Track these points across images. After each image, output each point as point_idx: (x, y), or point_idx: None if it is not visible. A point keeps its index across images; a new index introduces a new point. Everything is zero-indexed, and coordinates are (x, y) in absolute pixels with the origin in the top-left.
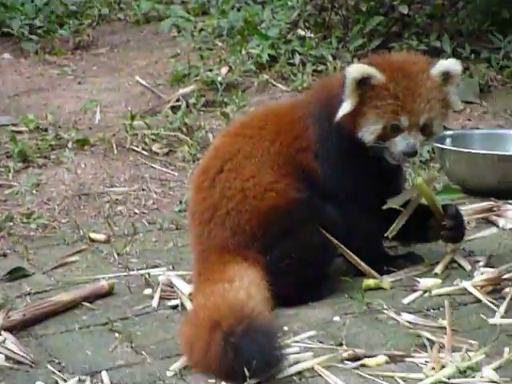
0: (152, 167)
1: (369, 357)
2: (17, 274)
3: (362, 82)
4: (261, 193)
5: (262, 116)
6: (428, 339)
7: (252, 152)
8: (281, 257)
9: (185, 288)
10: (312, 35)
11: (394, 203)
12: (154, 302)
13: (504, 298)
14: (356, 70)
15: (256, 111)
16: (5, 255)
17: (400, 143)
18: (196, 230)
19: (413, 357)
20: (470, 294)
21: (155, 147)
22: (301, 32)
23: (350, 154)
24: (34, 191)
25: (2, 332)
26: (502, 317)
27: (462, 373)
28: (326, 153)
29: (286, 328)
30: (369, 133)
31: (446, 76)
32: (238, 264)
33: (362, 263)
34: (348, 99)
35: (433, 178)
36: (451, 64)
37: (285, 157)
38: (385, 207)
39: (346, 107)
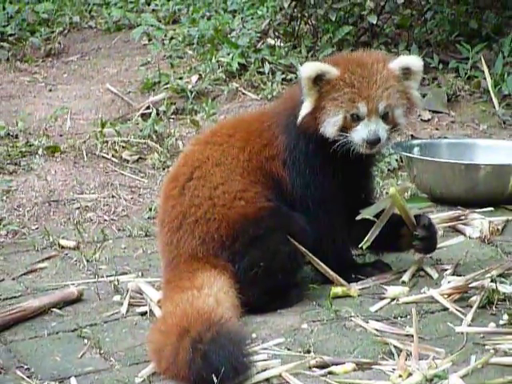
0: (122, 174)
1: (336, 364)
2: None
3: (318, 79)
4: (230, 201)
5: (232, 124)
6: (395, 347)
7: (221, 159)
8: (249, 265)
9: (154, 295)
10: (282, 44)
11: (367, 214)
12: (123, 309)
13: (471, 307)
14: (308, 68)
15: (226, 120)
16: None
17: (362, 131)
18: (165, 237)
19: (380, 364)
20: (437, 302)
21: (125, 154)
22: (271, 41)
23: (317, 157)
24: (4, 198)
25: None
26: (469, 325)
27: (429, 381)
28: (294, 160)
29: (254, 335)
30: (330, 125)
31: (407, 71)
32: (207, 272)
33: (330, 271)
34: (307, 98)
35: (406, 188)
36: (412, 59)
37: (254, 164)
38: (358, 218)
39: (306, 106)
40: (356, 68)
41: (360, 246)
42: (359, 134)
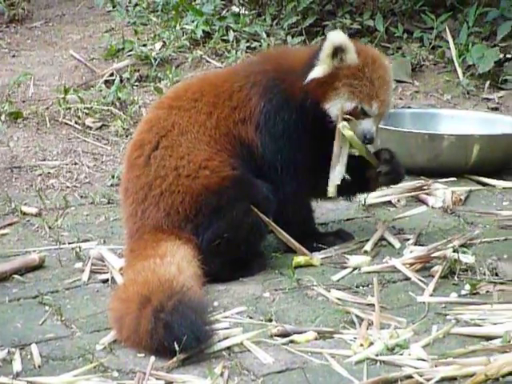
0: (85, 141)
1: (298, 333)
2: None
3: (338, 51)
4: (194, 171)
5: (197, 87)
6: (357, 316)
7: (187, 127)
8: (213, 237)
9: (116, 262)
10: (246, 12)
11: (338, 177)
12: (85, 276)
13: (432, 276)
14: (339, 37)
15: (189, 82)
16: None
17: (364, 127)
18: (129, 208)
19: (341, 333)
20: (399, 271)
21: (88, 121)
22: (235, 9)
23: (298, 128)
24: None
25: None
26: (431, 295)
27: (390, 350)
28: (270, 126)
29: (216, 303)
30: (338, 107)
31: None
32: (171, 242)
33: (293, 240)
34: (321, 64)
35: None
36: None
37: (221, 131)
38: (330, 195)
39: (317, 71)
40: (376, 67)
41: (329, 195)
42: (360, 129)
